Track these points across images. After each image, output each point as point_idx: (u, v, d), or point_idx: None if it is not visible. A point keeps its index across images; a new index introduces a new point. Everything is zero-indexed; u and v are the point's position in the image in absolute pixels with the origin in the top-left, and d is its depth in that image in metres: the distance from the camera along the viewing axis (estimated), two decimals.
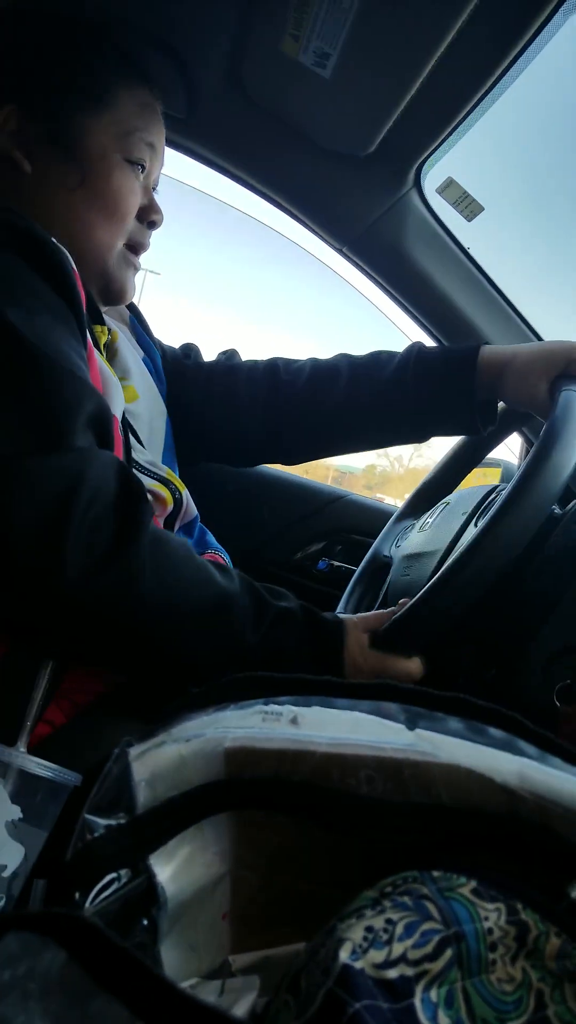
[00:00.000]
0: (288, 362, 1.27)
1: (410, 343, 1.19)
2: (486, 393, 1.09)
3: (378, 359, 1.19)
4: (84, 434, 0.76)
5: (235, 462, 1.41)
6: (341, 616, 0.89)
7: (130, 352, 1.11)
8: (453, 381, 1.10)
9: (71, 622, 0.75)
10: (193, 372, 1.29)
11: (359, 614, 0.90)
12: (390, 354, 1.19)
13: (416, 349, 1.17)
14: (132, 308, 1.21)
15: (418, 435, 1.20)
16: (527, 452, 1.26)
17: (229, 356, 1.34)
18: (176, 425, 1.19)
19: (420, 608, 0.83)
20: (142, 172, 1.02)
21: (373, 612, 0.91)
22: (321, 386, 1.20)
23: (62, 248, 0.85)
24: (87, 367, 0.83)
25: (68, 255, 0.86)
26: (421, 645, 0.87)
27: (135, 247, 1.05)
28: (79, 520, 0.71)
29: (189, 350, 1.36)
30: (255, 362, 1.29)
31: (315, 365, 1.24)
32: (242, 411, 1.24)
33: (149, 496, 0.99)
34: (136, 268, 1.07)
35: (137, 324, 1.21)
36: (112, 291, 1.05)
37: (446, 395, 1.11)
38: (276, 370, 1.25)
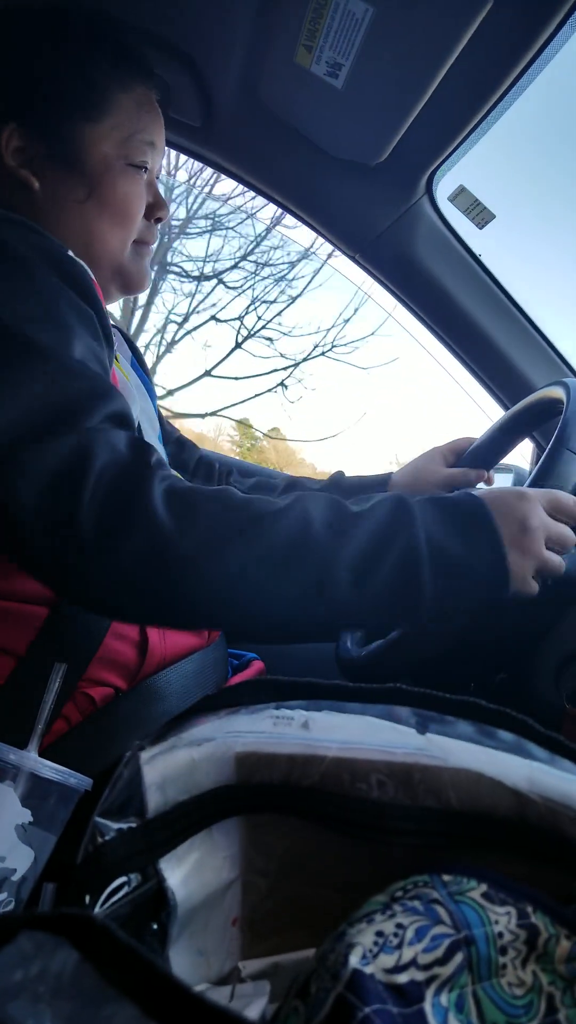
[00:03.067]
0: (243, 467, 1.42)
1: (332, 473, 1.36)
2: None
3: (308, 483, 1.33)
4: (102, 420, 0.75)
5: None
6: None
7: (132, 375, 1.12)
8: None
9: (113, 601, 0.73)
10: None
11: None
12: (317, 482, 1.33)
13: (335, 478, 1.32)
14: (131, 346, 1.22)
15: None
16: (538, 457, 1.25)
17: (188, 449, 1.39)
18: None
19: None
20: (145, 172, 1.02)
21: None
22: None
23: (81, 263, 0.87)
24: (109, 376, 0.84)
25: (87, 269, 0.87)
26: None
27: (144, 241, 1.07)
28: (89, 499, 0.69)
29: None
30: (210, 458, 1.39)
31: (262, 477, 1.37)
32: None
33: None
34: (149, 255, 1.09)
35: (135, 360, 1.22)
36: (131, 282, 1.07)
37: None
38: (230, 474, 1.37)
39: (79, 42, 0.98)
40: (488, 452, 1.20)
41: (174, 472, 0.78)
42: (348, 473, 1.34)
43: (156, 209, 1.06)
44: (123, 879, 0.45)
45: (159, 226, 1.10)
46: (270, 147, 1.33)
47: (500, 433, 1.17)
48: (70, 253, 0.86)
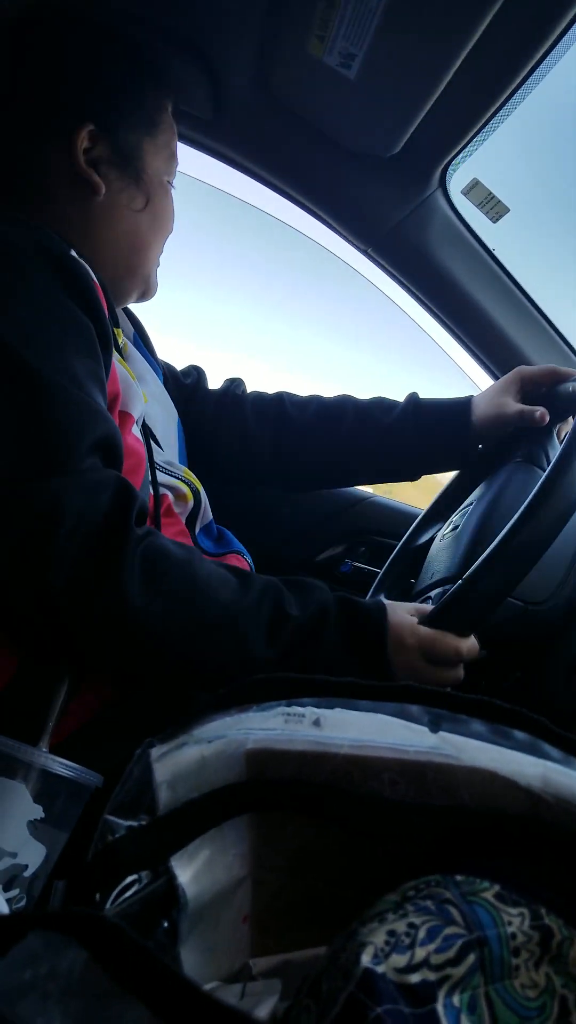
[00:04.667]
0: (292, 396, 1.35)
1: (408, 394, 1.30)
2: (476, 439, 1.23)
3: (381, 405, 1.30)
4: (89, 457, 0.78)
5: (239, 484, 1.45)
6: (383, 600, 0.89)
7: (138, 356, 1.13)
8: (449, 430, 1.23)
9: (75, 641, 0.77)
10: (201, 397, 1.35)
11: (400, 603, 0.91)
12: (391, 403, 1.30)
13: (414, 402, 1.28)
14: (136, 324, 1.23)
15: (411, 476, 1.34)
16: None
17: (236, 385, 1.40)
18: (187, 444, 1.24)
19: (468, 588, 0.83)
20: (171, 188, 1.08)
21: (413, 604, 0.91)
22: (327, 425, 1.29)
23: (84, 263, 0.87)
24: (104, 390, 0.86)
25: (90, 270, 0.88)
26: (474, 623, 0.86)
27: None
28: (61, 547, 0.72)
29: (193, 373, 1.40)
30: (261, 394, 1.37)
31: (321, 403, 1.32)
32: (251, 441, 1.30)
33: (171, 494, 0.99)
34: (158, 266, 1.14)
35: (139, 339, 1.22)
36: (150, 291, 1.13)
37: (444, 444, 1.25)
38: (283, 404, 1.33)
39: (133, 55, 1.01)
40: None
41: (151, 528, 0.82)
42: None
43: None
44: (134, 877, 0.45)
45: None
46: (281, 139, 1.32)
47: None
48: (72, 253, 0.87)
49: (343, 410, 1.29)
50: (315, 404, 1.32)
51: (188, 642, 0.78)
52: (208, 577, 0.81)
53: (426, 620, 0.85)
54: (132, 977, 0.30)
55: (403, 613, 0.86)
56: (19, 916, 0.33)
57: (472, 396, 1.24)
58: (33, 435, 0.75)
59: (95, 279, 0.88)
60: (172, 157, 1.06)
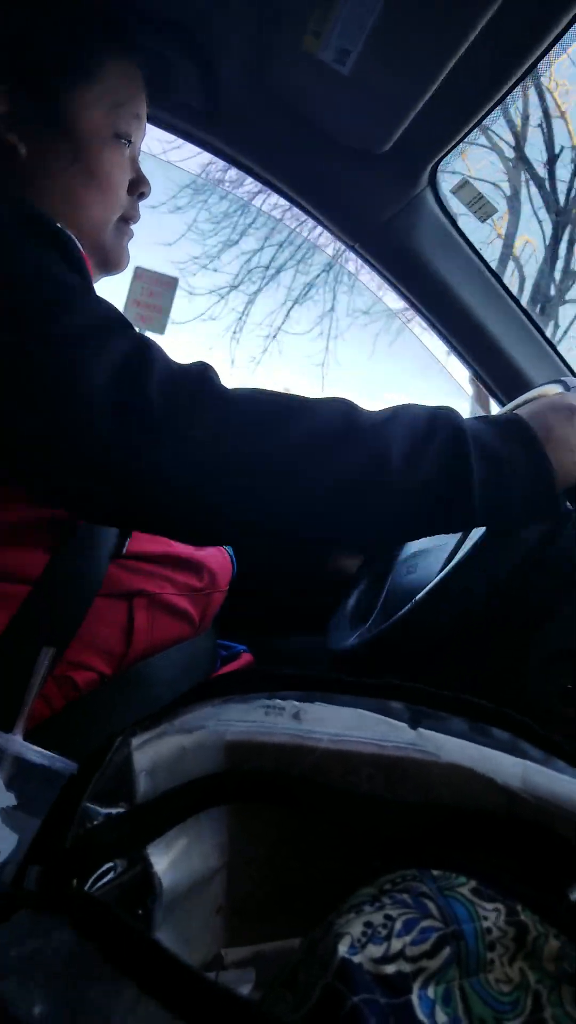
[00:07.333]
0: None
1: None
2: None
3: None
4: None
5: None
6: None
7: None
8: None
9: (171, 489, 0.70)
10: None
11: None
12: None
13: None
14: None
15: None
16: None
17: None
18: None
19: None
20: (128, 145, 1.01)
21: None
22: None
23: (70, 233, 0.85)
24: None
25: (77, 242, 0.86)
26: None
27: (126, 219, 1.06)
28: (159, 380, 0.70)
29: None
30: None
31: None
32: None
33: None
34: (130, 236, 1.09)
35: None
36: (110, 261, 1.06)
37: None
38: None
39: (71, 6, 0.96)
40: None
41: None
42: None
43: (139, 184, 1.05)
44: (110, 864, 0.45)
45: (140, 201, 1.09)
46: (274, 133, 1.32)
47: None
48: (59, 225, 0.85)
49: None
50: None
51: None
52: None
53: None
54: (121, 954, 0.30)
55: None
56: (7, 895, 0.33)
57: None
58: (103, 315, 0.75)
59: (83, 251, 0.87)
60: (122, 106, 0.98)
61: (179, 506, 0.71)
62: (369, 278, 1.52)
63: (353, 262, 1.51)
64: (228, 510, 0.72)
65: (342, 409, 0.75)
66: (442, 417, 0.75)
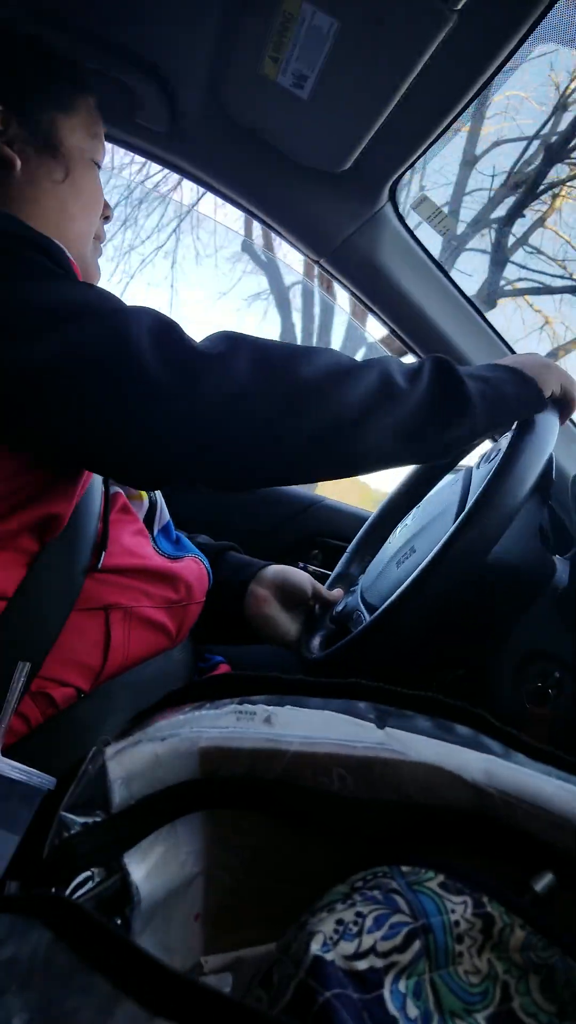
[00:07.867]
0: None
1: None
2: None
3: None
4: None
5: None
6: None
7: None
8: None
9: (224, 416, 0.78)
10: None
11: None
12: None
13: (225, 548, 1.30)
14: None
15: None
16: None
17: None
18: None
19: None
20: (99, 170, 1.08)
21: None
22: None
23: (61, 245, 0.88)
24: None
25: (68, 253, 0.89)
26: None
27: (98, 237, 1.12)
28: (191, 335, 0.80)
29: None
30: None
31: None
32: None
33: (123, 492, 1.00)
34: (100, 252, 1.15)
35: None
36: (89, 275, 1.11)
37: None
38: None
39: (44, 49, 1.03)
40: None
41: None
42: None
43: (106, 208, 1.11)
44: (87, 874, 0.46)
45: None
46: (236, 154, 1.34)
47: None
48: (49, 238, 0.87)
49: None
50: None
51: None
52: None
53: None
54: (95, 953, 0.31)
55: None
56: None
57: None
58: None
59: (74, 262, 0.90)
60: (95, 137, 1.06)
61: (217, 442, 0.79)
62: None
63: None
64: (279, 429, 0.80)
65: (335, 351, 0.87)
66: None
